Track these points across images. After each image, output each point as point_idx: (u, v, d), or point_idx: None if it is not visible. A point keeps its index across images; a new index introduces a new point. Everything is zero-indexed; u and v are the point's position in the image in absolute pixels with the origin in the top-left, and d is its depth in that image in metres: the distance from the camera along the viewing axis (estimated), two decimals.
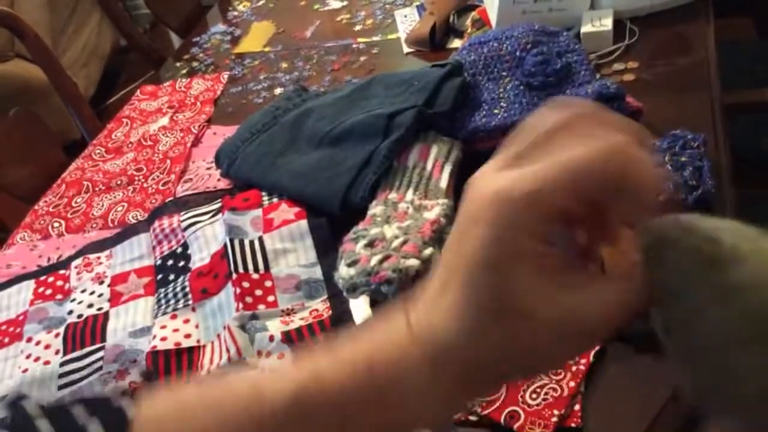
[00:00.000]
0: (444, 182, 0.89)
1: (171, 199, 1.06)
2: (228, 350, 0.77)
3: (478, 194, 0.32)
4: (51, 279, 0.97)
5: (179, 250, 0.94)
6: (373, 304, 0.79)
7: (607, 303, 0.31)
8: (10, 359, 0.86)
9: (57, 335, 0.87)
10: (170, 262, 0.94)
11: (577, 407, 0.65)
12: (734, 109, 1.23)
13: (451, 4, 1.32)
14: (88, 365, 0.82)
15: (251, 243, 0.90)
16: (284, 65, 1.39)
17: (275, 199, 0.97)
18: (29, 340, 0.88)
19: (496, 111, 0.96)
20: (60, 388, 0.80)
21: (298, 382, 0.33)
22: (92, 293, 0.92)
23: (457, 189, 0.91)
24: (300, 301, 0.83)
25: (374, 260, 0.76)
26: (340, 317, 0.78)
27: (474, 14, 1.27)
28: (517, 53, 0.99)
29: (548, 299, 0.30)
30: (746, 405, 0.31)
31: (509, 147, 0.33)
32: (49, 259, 1.02)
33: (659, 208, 0.31)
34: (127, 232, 1.02)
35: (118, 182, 1.15)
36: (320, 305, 0.82)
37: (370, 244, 0.80)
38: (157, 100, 1.36)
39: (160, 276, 0.92)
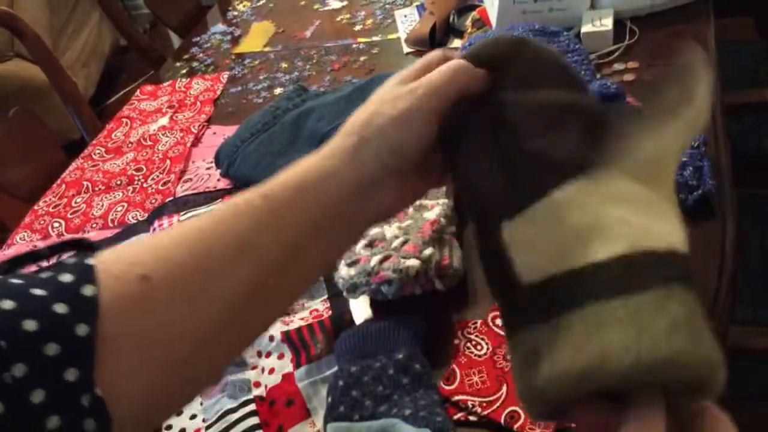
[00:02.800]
0: None
1: (171, 199, 1.06)
2: None
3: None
4: None
5: None
6: (373, 304, 0.79)
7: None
8: None
9: None
10: None
11: None
12: (735, 109, 1.23)
13: (451, 3, 1.32)
14: None
15: None
16: (284, 65, 1.39)
17: None
18: None
19: None
20: None
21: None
22: None
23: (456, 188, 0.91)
24: (300, 301, 0.83)
25: (374, 260, 0.76)
26: (340, 317, 0.78)
27: (474, 14, 1.27)
28: None
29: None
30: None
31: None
32: (48, 260, 1.02)
33: None
34: (127, 232, 1.02)
35: (118, 182, 1.15)
36: (320, 305, 0.82)
37: (370, 244, 0.79)
38: (157, 100, 1.36)
39: None
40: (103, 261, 0.38)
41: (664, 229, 0.34)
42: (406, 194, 0.50)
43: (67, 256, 0.38)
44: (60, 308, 0.33)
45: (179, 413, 0.69)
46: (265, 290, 0.40)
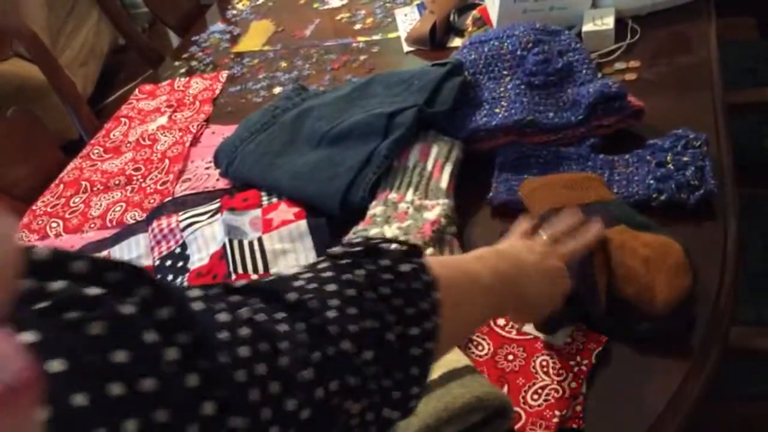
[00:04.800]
0: (444, 182, 0.89)
1: (169, 198, 1.05)
2: None
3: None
4: None
5: (178, 250, 0.94)
6: None
7: None
8: None
9: None
10: (169, 262, 0.93)
11: (578, 408, 0.65)
12: (736, 109, 1.23)
13: (451, 2, 1.32)
14: None
15: (250, 243, 0.89)
16: (283, 64, 1.38)
17: (274, 199, 0.96)
18: None
19: (497, 110, 0.95)
20: None
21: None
22: None
23: (457, 189, 0.90)
24: None
25: None
26: None
27: (475, 13, 1.26)
28: (518, 52, 0.98)
29: None
30: None
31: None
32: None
33: None
34: (126, 232, 1.02)
35: (117, 182, 1.14)
36: None
37: None
38: (156, 99, 1.36)
39: (158, 276, 0.92)
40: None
41: (458, 357, 0.67)
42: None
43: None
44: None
45: None
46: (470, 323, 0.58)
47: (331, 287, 0.43)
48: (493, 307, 0.58)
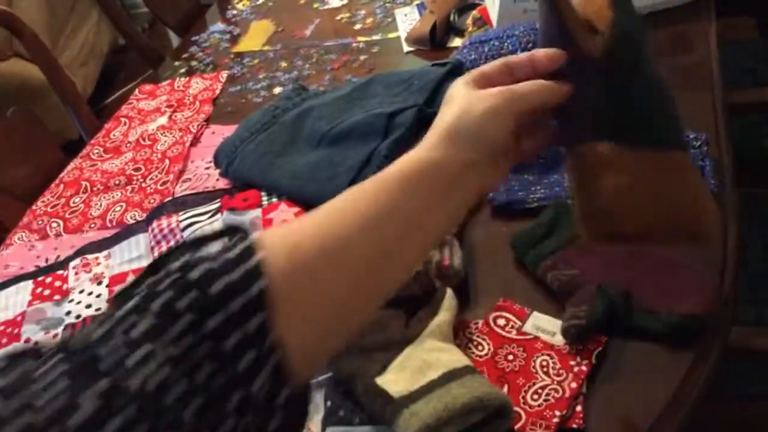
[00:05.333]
0: None
1: (169, 198, 1.05)
2: None
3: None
4: (49, 279, 0.96)
5: None
6: None
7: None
8: None
9: (55, 336, 0.87)
10: None
11: (578, 408, 0.65)
12: (736, 109, 1.23)
13: (451, 2, 1.32)
14: None
15: None
16: (283, 64, 1.38)
17: (274, 199, 0.96)
18: (27, 341, 0.87)
19: None
20: None
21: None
22: (90, 294, 0.92)
23: None
24: None
25: None
26: None
27: (475, 13, 1.26)
28: (518, 52, 0.98)
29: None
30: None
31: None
32: (47, 260, 1.01)
33: None
34: (126, 232, 1.02)
35: (117, 182, 1.14)
36: None
37: None
38: (156, 99, 1.36)
39: None
40: (262, 235, 0.45)
41: (458, 358, 0.68)
42: (488, 181, 0.56)
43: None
44: (236, 274, 0.41)
45: None
46: (390, 256, 0.49)
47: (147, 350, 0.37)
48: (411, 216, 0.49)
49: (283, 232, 0.47)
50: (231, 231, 0.46)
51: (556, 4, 0.55)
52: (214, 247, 0.44)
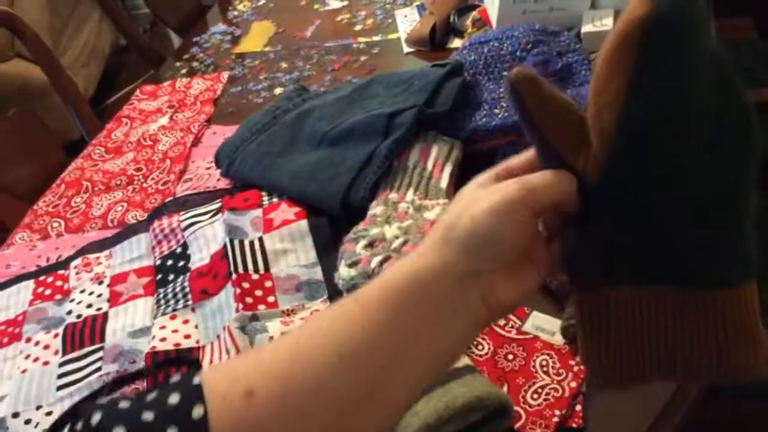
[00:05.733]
0: (444, 182, 0.89)
1: (170, 199, 1.06)
2: (228, 352, 0.76)
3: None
4: (50, 279, 0.96)
5: (179, 250, 0.94)
6: None
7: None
8: (9, 360, 0.86)
9: (56, 335, 0.87)
10: (170, 262, 0.93)
11: (578, 407, 0.65)
12: None
13: (451, 3, 1.32)
14: (87, 366, 0.82)
15: (251, 243, 0.90)
16: (284, 65, 1.39)
17: (275, 199, 0.97)
18: (28, 340, 0.87)
19: (496, 111, 0.95)
20: (59, 388, 0.80)
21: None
22: (91, 293, 0.92)
23: (457, 189, 0.91)
24: (300, 302, 0.83)
25: (375, 261, 0.76)
26: None
27: (474, 14, 1.27)
28: (518, 53, 0.99)
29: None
30: None
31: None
32: (48, 259, 1.02)
33: None
34: (127, 232, 1.02)
35: (118, 182, 1.15)
36: (321, 306, 0.82)
37: (371, 245, 0.79)
38: (157, 99, 1.36)
39: (159, 276, 0.92)
40: (207, 379, 0.39)
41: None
42: (501, 295, 0.44)
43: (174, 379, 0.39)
44: None
45: None
46: (371, 398, 0.40)
47: None
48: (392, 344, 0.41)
49: (231, 374, 0.39)
50: (167, 363, 0.39)
51: (522, 102, 0.42)
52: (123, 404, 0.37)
